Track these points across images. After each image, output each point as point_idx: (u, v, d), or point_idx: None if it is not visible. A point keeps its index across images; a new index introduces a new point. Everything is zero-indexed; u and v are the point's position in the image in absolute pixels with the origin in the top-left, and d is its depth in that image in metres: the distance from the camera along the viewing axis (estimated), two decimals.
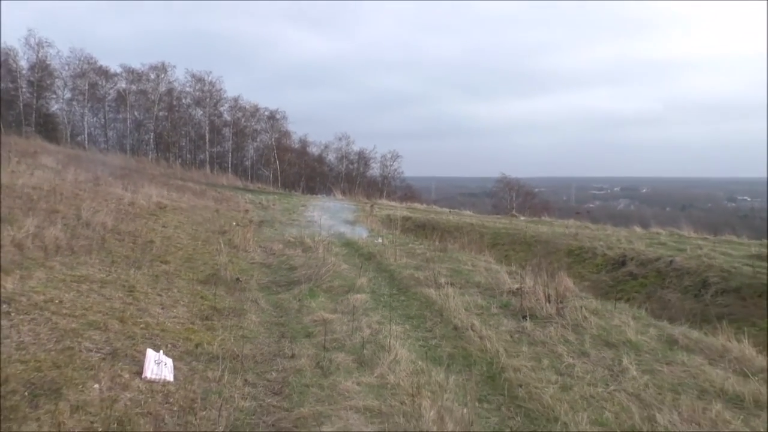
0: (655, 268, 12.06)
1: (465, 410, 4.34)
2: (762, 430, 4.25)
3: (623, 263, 13.00)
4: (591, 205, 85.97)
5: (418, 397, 4.52)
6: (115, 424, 3.95)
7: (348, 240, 14.72)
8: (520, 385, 4.91)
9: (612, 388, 4.81)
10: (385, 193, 45.95)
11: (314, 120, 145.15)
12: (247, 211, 20.10)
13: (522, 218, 24.66)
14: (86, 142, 46.59)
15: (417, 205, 32.33)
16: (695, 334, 6.20)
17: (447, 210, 28.33)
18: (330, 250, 12.22)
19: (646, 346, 5.85)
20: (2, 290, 5.84)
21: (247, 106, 51.07)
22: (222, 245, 11.54)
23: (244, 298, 8.23)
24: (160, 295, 7.38)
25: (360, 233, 16.03)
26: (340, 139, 52.81)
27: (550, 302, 7.08)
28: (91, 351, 5.04)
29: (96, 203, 12.57)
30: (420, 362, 5.49)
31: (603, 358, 5.51)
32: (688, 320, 8.00)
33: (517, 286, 8.19)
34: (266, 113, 50.95)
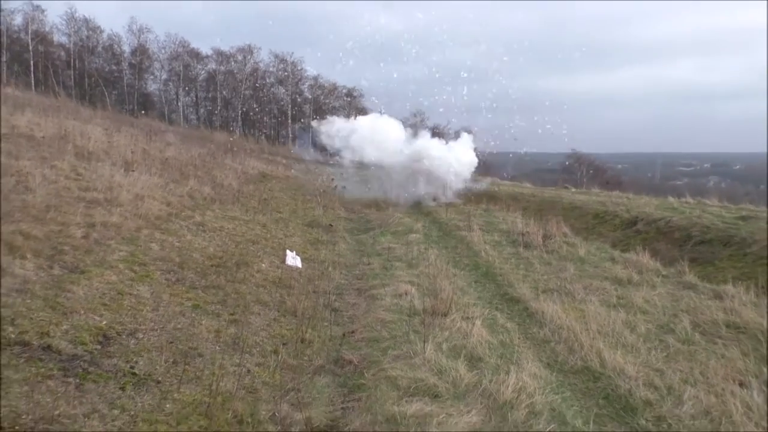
0: (656, 226, 14.90)
1: (463, 283, 7.86)
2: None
3: (635, 223, 15.86)
4: (678, 182, 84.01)
5: (438, 277, 8.05)
6: (278, 279, 7.71)
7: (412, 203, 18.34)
8: (500, 275, 8.37)
9: (552, 276, 8.17)
10: None
11: (390, 95, 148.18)
12: (332, 179, 24.02)
13: (573, 190, 27.36)
14: (181, 120, 51.98)
15: (480, 178, 35.37)
16: (628, 254, 9.38)
17: (506, 182, 31.36)
18: (396, 209, 15.85)
19: (590, 260, 9.15)
20: (195, 218, 9.77)
21: (326, 84, 54.75)
22: (316, 204, 15.39)
23: (335, 236, 12.00)
24: (282, 230, 11.23)
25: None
26: (414, 115, 55.70)
27: (541, 238, 10.42)
28: (255, 251, 8.87)
29: (221, 171, 16.70)
30: (445, 266, 9.01)
31: (557, 266, 8.85)
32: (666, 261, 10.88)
33: (526, 230, 11.52)
34: (344, 91, 54.62)
